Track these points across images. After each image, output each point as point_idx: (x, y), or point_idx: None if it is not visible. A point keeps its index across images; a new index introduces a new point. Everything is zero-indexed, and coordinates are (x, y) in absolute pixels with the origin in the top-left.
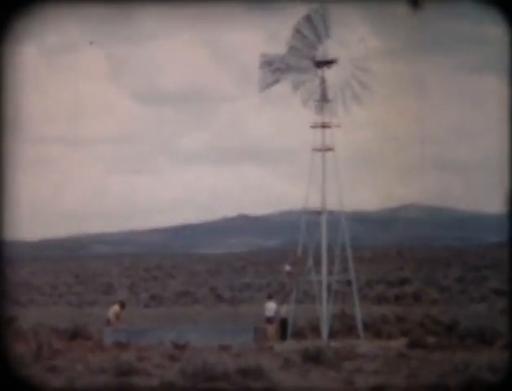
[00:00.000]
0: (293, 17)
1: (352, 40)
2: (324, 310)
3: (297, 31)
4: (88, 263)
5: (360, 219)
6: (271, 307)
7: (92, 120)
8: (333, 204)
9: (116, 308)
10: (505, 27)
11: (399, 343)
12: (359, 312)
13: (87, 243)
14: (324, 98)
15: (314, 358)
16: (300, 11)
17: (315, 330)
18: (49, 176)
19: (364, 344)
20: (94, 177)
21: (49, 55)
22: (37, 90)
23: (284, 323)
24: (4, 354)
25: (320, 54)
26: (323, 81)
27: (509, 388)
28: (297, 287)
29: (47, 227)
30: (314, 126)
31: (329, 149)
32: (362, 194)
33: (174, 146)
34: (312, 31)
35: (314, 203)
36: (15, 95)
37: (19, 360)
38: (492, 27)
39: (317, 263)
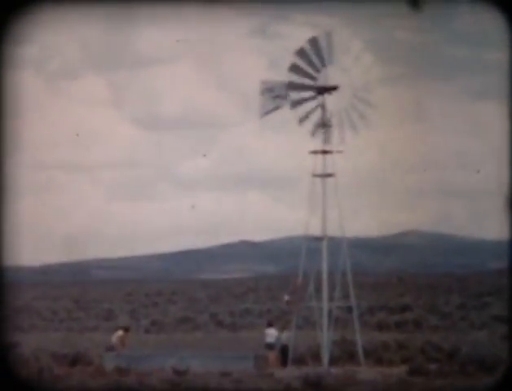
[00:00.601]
0: (293, 44)
1: (353, 66)
2: (325, 337)
3: (302, 52)
4: (89, 289)
5: (361, 245)
6: (271, 334)
7: (92, 145)
8: (333, 230)
9: (120, 333)
10: (505, 29)
11: (399, 370)
12: (359, 338)
13: (88, 269)
14: (325, 124)
15: (314, 384)
16: (300, 38)
17: (316, 356)
18: (49, 201)
19: (365, 371)
20: (95, 202)
21: (48, 81)
22: (37, 115)
23: (284, 350)
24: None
25: (321, 79)
26: (324, 107)
27: None
28: (297, 314)
29: (48, 253)
30: (314, 152)
31: (330, 175)
32: (363, 220)
33: (175, 172)
34: (309, 64)
35: (315, 229)
36: (15, 119)
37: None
38: (493, 51)
39: (318, 289)
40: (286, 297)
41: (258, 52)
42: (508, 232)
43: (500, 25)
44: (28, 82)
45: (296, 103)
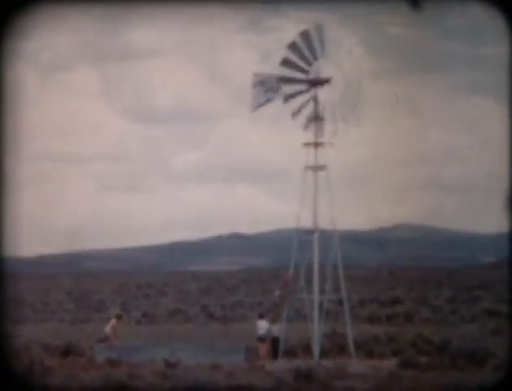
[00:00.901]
0: (285, 37)
1: (346, 59)
2: (316, 329)
3: (293, 45)
4: (80, 280)
5: (353, 238)
6: (262, 326)
7: (84, 137)
8: (325, 222)
9: (113, 321)
10: (504, 28)
11: (390, 363)
12: (350, 331)
13: (80, 260)
14: (317, 117)
15: (305, 377)
16: (292, 32)
17: (307, 349)
18: (41, 193)
19: (356, 364)
20: (88, 194)
21: (41, 72)
22: (29, 107)
23: (275, 342)
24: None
25: (313, 72)
26: (316, 99)
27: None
28: (288, 307)
29: (40, 244)
30: (306, 145)
31: (322, 167)
32: (354, 213)
33: (167, 164)
34: (300, 57)
35: (306, 222)
36: (12, 112)
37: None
38: (489, 46)
39: (309, 282)
40: (277, 292)
41: (250, 46)
42: (508, 228)
43: (497, 22)
44: (21, 75)
45: (288, 97)
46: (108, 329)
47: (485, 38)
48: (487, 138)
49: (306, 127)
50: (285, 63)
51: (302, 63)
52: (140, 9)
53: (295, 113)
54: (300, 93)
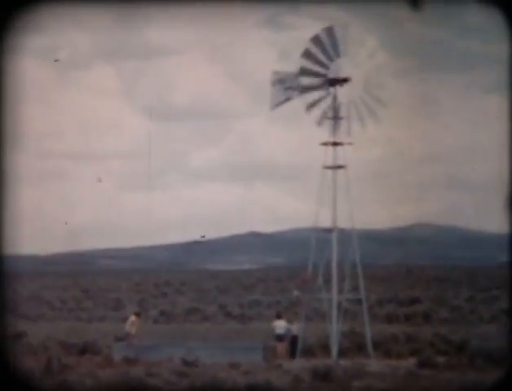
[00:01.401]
0: (303, 35)
1: (364, 58)
2: (334, 329)
3: (307, 53)
4: (97, 278)
5: (371, 237)
6: (280, 325)
7: (102, 135)
8: (343, 221)
9: (132, 318)
10: (505, 28)
11: (408, 362)
12: (368, 331)
13: (96, 259)
14: (335, 116)
15: (323, 376)
16: (310, 29)
17: (325, 348)
18: (59, 191)
19: (374, 363)
20: (104, 192)
21: (58, 70)
22: (45, 105)
23: (294, 341)
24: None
25: (332, 71)
26: (335, 99)
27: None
28: (305, 307)
29: (57, 242)
30: (325, 144)
31: (340, 167)
32: (373, 212)
33: (185, 162)
34: (322, 52)
35: (324, 220)
36: (20, 108)
37: (29, 375)
38: (501, 46)
39: (327, 281)
40: (295, 292)
41: (268, 44)
42: (508, 229)
43: (500, 23)
44: (37, 72)
45: (306, 90)
46: (128, 327)
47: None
48: (506, 137)
49: (320, 123)
50: (307, 55)
51: (323, 58)
52: (158, 7)
53: (310, 107)
54: (318, 88)
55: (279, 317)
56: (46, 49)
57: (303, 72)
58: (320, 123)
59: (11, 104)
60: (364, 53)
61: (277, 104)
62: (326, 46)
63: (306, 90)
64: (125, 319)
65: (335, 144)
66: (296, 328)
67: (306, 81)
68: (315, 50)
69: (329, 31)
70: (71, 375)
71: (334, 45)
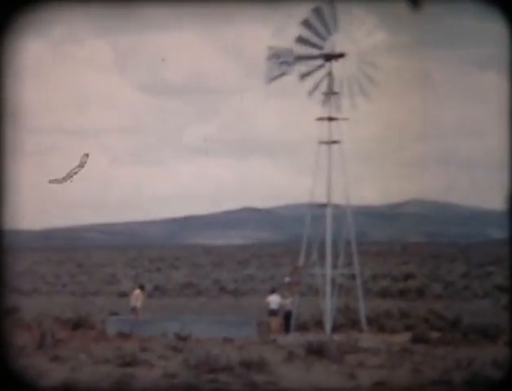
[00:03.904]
0: (298, 12)
1: (359, 34)
2: (328, 304)
3: (307, 22)
4: (92, 253)
5: (365, 213)
6: (274, 300)
7: (97, 110)
8: (338, 197)
9: (137, 291)
10: (504, 24)
11: (402, 338)
12: (362, 306)
13: (91, 233)
14: (330, 92)
15: (317, 351)
16: (305, 7)
17: (319, 323)
18: (53, 166)
19: (368, 339)
20: (98, 167)
21: (53, 46)
22: (41, 81)
23: (288, 316)
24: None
25: (328, 47)
26: (330, 74)
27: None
28: (297, 295)
29: (51, 217)
30: (320, 119)
31: (335, 142)
32: (367, 188)
33: (179, 138)
34: (321, 23)
35: (319, 196)
36: (18, 85)
37: (22, 349)
38: (493, 24)
39: (321, 257)
40: (287, 279)
41: (263, 20)
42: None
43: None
44: (31, 48)
45: (304, 75)
46: (133, 301)
47: (491, 37)
48: (502, 114)
49: (311, 94)
50: (300, 40)
51: (316, 40)
52: None
53: (312, 91)
54: (315, 70)
55: (273, 292)
56: (38, 25)
57: (299, 57)
58: (311, 93)
59: (6, 81)
60: (359, 29)
61: (272, 79)
62: (316, 26)
63: (304, 75)
64: (120, 294)
65: (330, 119)
66: (289, 303)
67: (301, 50)
68: (306, 33)
69: (317, 11)
70: (64, 350)
71: (325, 24)
